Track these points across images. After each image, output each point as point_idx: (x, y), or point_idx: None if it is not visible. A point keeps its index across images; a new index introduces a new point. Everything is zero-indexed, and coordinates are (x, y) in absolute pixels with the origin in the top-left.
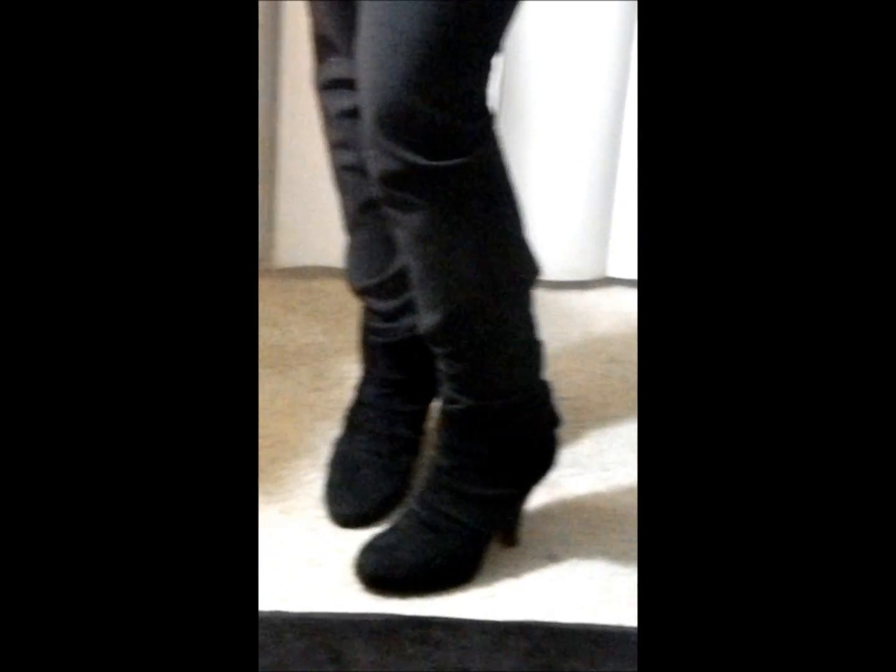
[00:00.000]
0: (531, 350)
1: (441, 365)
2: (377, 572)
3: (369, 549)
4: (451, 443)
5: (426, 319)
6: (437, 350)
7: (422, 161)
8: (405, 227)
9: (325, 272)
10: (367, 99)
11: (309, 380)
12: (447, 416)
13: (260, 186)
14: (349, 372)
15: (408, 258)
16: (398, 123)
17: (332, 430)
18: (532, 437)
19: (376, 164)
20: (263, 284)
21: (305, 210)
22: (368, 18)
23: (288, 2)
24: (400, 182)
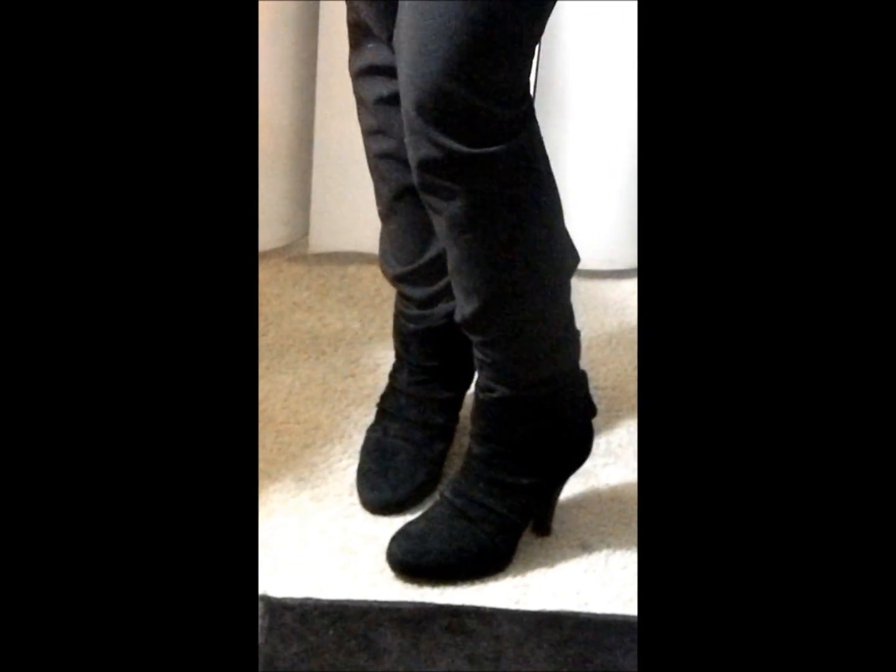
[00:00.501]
0: (568, 339)
1: (477, 353)
2: (409, 560)
3: (401, 537)
4: (486, 431)
5: (463, 307)
6: (474, 338)
7: (461, 148)
8: (443, 214)
9: (360, 258)
10: (407, 86)
11: (343, 366)
12: (482, 405)
13: (295, 172)
14: (383, 358)
15: (445, 246)
16: (438, 110)
17: (365, 416)
18: (567, 426)
19: (415, 150)
20: (298, 270)
21: (340, 196)
22: (409, 5)
23: None
24: (439, 169)
